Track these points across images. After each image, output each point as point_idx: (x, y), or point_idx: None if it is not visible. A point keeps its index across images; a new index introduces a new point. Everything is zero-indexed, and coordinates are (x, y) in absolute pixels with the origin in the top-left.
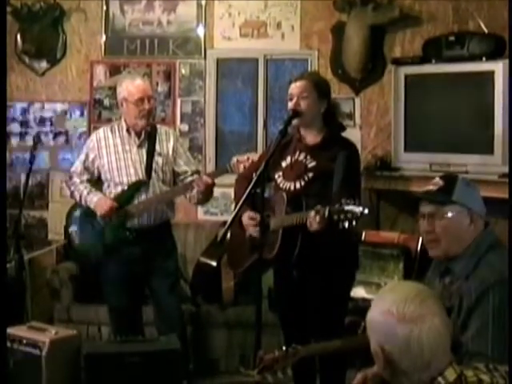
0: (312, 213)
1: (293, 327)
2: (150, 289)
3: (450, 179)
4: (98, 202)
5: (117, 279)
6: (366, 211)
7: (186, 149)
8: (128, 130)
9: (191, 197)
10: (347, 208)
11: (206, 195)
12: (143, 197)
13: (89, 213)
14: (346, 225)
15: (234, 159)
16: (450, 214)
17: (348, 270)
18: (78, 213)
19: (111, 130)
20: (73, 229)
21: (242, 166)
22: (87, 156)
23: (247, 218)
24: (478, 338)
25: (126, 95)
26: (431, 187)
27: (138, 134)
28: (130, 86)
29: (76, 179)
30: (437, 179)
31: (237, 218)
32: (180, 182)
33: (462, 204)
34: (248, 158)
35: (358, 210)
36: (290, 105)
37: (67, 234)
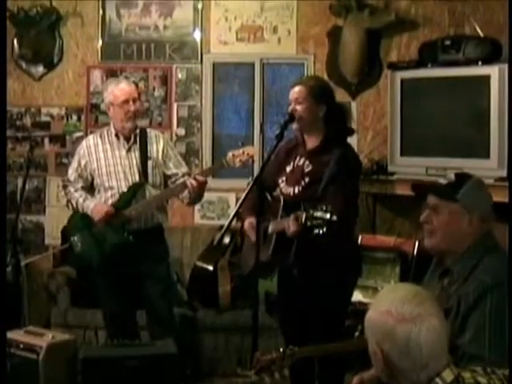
0: (292, 217)
1: (293, 331)
2: (142, 293)
3: (462, 177)
4: (95, 207)
5: (110, 283)
6: (335, 218)
7: (178, 152)
8: (117, 135)
9: (184, 197)
10: (316, 214)
11: (199, 194)
12: (140, 199)
13: (88, 219)
14: (319, 231)
15: (230, 154)
16: (449, 210)
17: (349, 276)
18: (78, 220)
19: (100, 136)
20: (74, 237)
21: (237, 160)
22: (79, 163)
23: (248, 223)
24: (475, 341)
25: (111, 99)
26: (442, 181)
27: (127, 138)
28: (115, 90)
29: (71, 188)
30: (451, 174)
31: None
32: (171, 185)
33: (464, 204)
34: (243, 152)
35: (326, 216)
36: (289, 110)
37: (70, 242)
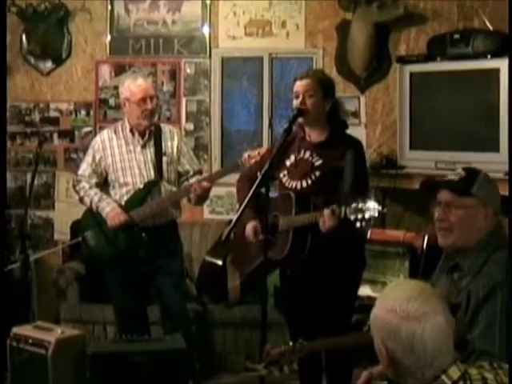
0: (327, 212)
1: (300, 325)
2: (155, 288)
3: (472, 172)
4: (111, 213)
5: (122, 279)
6: (385, 210)
7: (190, 148)
8: (131, 131)
9: (190, 199)
10: (367, 206)
11: (203, 198)
12: (155, 197)
13: (102, 216)
14: (363, 224)
15: (245, 154)
16: (466, 205)
17: (356, 269)
18: (91, 216)
19: (115, 131)
20: (87, 232)
21: (253, 161)
22: (93, 158)
23: (251, 228)
24: (485, 337)
25: (128, 95)
26: (453, 177)
27: (142, 134)
28: (132, 86)
29: (85, 184)
30: (459, 170)
31: (242, 220)
32: (182, 183)
33: (479, 198)
34: (259, 153)
35: (376, 208)
36: (296, 103)
37: (82, 238)
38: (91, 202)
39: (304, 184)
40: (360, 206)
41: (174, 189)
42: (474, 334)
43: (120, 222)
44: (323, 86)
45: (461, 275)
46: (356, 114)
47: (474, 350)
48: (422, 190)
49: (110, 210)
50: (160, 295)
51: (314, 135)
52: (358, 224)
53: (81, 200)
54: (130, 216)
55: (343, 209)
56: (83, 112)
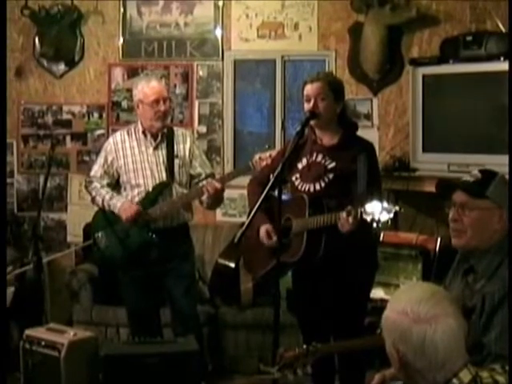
0: (344, 214)
1: (313, 328)
2: (166, 290)
3: (488, 174)
4: (122, 206)
5: (134, 281)
6: (402, 210)
7: (202, 151)
8: (144, 132)
9: (202, 201)
10: (382, 207)
11: (217, 201)
12: (167, 199)
13: (112, 217)
14: (379, 225)
15: (256, 156)
16: (480, 207)
17: (368, 271)
18: (102, 217)
19: (128, 133)
20: (98, 233)
21: (264, 163)
22: (106, 159)
23: (264, 231)
24: (500, 341)
25: (141, 97)
26: (468, 178)
27: (155, 136)
28: (145, 88)
29: (97, 184)
30: (475, 171)
31: (254, 223)
32: (194, 185)
33: (494, 200)
34: (270, 155)
35: (392, 209)
36: (308, 106)
37: (93, 239)
38: (103, 201)
39: (317, 187)
40: (375, 206)
41: (186, 191)
42: (490, 338)
43: (133, 212)
44: (334, 88)
45: (475, 278)
46: (368, 117)
47: (489, 354)
48: (437, 191)
49: (121, 204)
50: (171, 298)
51: (326, 138)
52: (375, 225)
53: (93, 200)
54: (146, 212)
55: (359, 210)
56: (96, 114)
